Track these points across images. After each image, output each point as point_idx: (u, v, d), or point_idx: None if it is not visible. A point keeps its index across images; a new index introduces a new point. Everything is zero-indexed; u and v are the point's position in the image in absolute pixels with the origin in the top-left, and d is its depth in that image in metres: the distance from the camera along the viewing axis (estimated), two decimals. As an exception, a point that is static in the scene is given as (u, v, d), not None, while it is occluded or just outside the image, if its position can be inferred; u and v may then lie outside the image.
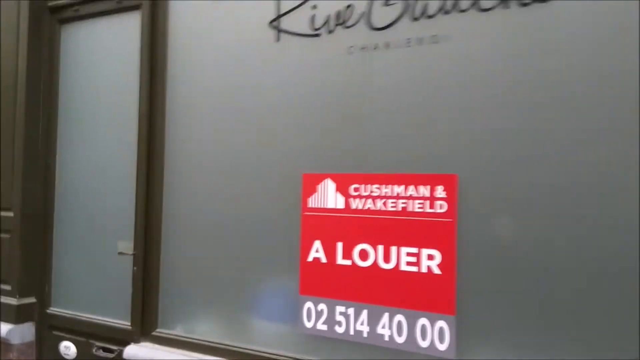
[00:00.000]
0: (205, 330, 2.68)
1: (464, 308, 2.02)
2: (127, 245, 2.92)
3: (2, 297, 3.19)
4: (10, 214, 3.20)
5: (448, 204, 2.05)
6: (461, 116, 2.05)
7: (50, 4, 3.27)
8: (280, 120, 2.49)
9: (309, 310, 2.37)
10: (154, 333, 2.80)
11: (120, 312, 2.93)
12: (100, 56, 3.15)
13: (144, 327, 2.83)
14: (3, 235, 3.22)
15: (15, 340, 3.10)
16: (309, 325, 2.37)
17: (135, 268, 2.86)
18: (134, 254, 2.88)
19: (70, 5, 3.20)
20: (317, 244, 2.36)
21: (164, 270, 2.82)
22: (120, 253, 2.93)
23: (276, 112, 2.50)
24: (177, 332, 2.76)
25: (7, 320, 3.14)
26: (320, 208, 2.35)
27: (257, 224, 2.55)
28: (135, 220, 2.89)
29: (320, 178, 2.36)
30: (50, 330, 3.18)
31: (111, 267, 3.00)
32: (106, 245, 3.03)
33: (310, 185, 2.38)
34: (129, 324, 2.89)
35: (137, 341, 2.82)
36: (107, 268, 3.02)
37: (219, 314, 2.65)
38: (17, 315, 3.13)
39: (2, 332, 3.10)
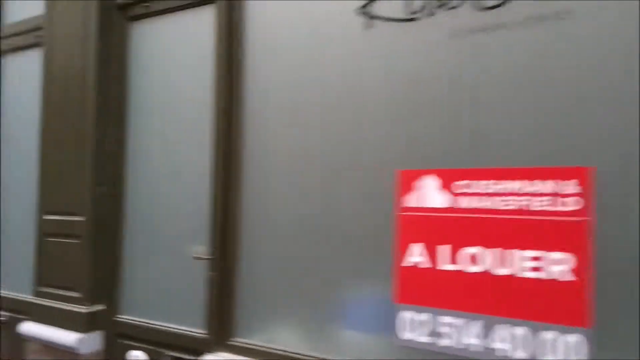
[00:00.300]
0: (288, 339, 2.49)
1: (601, 320, 1.77)
2: (201, 249, 2.77)
3: (70, 304, 3.08)
4: (80, 218, 3.09)
5: (583, 200, 1.81)
6: (591, 102, 1.82)
7: (119, 1, 3.18)
8: (370, 114, 2.30)
9: (406, 320, 2.16)
10: (230, 342, 2.63)
11: (194, 319, 2.78)
12: (172, 54, 3.03)
13: (220, 335, 2.66)
14: (72, 241, 3.12)
15: (84, 350, 2.98)
16: (406, 336, 2.16)
17: (211, 272, 2.70)
18: (209, 258, 2.72)
19: (140, 1, 3.10)
20: (416, 247, 2.15)
21: (241, 275, 2.66)
22: (194, 257, 2.78)
23: (366, 105, 2.32)
24: (256, 341, 2.58)
25: (75, 329, 3.03)
26: (419, 207, 2.14)
27: (345, 225, 2.36)
28: (210, 223, 2.73)
29: (419, 174, 2.15)
30: (120, 338, 3.05)
31: (184, 272, 2.86)
32: (178, 249, 2.89)
33: (407, 182, 2.18)
34: (204, 332, 2.73)
35: (212, 350, 2.66)
36: (180, 273, 2.88)
37: (302, 322, 2.47)
38: (86, 324, 3.01)
39: (70, 341, 2.98)
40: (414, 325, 2.14)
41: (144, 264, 3.04)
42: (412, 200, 2.16)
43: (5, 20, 3.96)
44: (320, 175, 2.44)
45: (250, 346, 2.57)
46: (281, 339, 2.51)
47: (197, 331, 2.76)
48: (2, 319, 3.69)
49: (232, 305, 2.66)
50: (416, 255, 2.15)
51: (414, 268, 2.15)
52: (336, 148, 2.39)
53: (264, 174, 2.61)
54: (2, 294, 3.73)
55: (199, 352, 2.70)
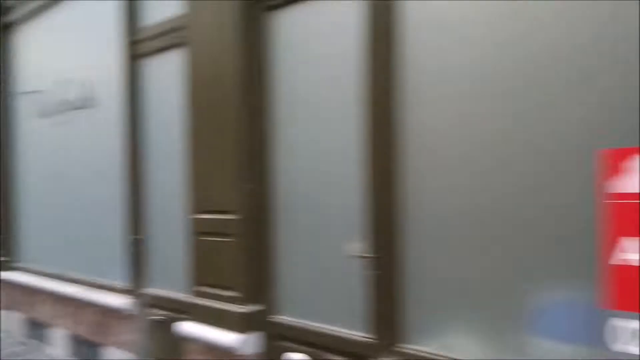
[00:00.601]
0: (466, 347, 2.24)
1: None
2: (359, 247, 2.59)
3: (227, 304, 3.05)
4: (233, 216, 3.05)
5: None
6: None
7: (257, -8, 3.09)
8: (555, 88, 1.98)
9: (619, 328, 1.81)
10: (398, 348, 2.43)
11: (356, 322, 2.61)
12: (314, 43, 2.87)
13: (387, 340, 2.47)
14: (226, 239, 3.08)
15: (244, 351, 2.94)
16: (619, 347, 1.81)
17: (372, 272, 2.52)
18: (368, 257, 2.54)
19: (279, -10, 3.00)
20: (629, 242, 1.79)
21: (408, 275, 2.44)
22: (351, 256, 2.62)
23: (549, 81, 1.99)
24: (428, 348, 2.35)
25: (233, 329, 2.99)
26: (633, 194, 1.78)
27: (529, 218, 2.06)
28: (369, 219, 2.55)
29: (631, 152, 1.78)
30: (277, 340, 2.96)
31: (341, 270, 2.70)
32: (334, 247, 2.74)
33: (614, 163, 1.82)
34: (368, 336, 2.54)
35: (378, 357, 2.47)
36: (337, 271, 2.72)
37: (482, 328, 2.20)
38: (244, 324, 2.97)
39: (230, 341, 2.95)
40: (626, 334, 1.79)
41: (299, 262, 2.93)
42: (622, 185, 1.81)
43: (141, 24, 4.05)
44: (496, 163, 2.15)
45: (421, 353, 2.35)
46: (458, 346, 2.26)
47: (361, 335, 2.58)
48: (158, 318, 3.80)
49: (398, 307, 2.45)
50: (631, 250, 1.79)
51: (629, 266, 1.79)
52: (515, 131, 2.09)
53: (429, 165, 2.37)
54: (157, 293, 3.85)
55: (363, 358, 2.53)
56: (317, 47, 2.86)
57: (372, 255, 2.53)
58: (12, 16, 5.63)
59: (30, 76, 5.49)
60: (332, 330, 2.70)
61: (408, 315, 2.43)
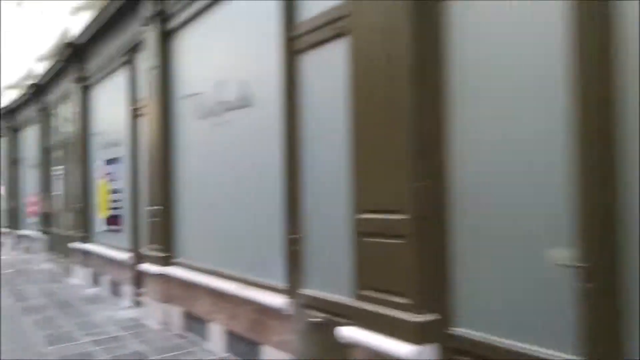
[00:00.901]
0: None
1: None
2: (564, 254, 2.20)
3: (397, 310, 2.79)
4: (402, 216, 2.79)
5: None
6: None
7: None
8: None
9: None
10: (621, 379, 2.00)
11: (561, 341, 2.21)
12: (500, 28, 2.52)
13: (604, 367, 2.05)
14: (394, 241, 2.83)
15: (419, 363, 2.66)
16: None
17: (583, 284, 2.11)
18: (578, 266, 2.14)
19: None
20: None
21: (629, 287, 2.00)
22: (554, 264, 2.23)
23: None
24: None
25: (404, 339, 2.72)
26: None
27: None
28: (577, 221, 2.15)
29: None
30: (456, 355, 2.64)
31: (542, 281, 2.31)
32: (530, 253, 2.36)
33: None
34: (577, 358, 2.13)
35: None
36: (536, 282, 2.34)
37: None
38: (417, 334, 2.68)
39: (402, 352, 2.68)
40: None
41: (483, 268, 2.58)
42: None
43: (299, 19, 3.94)
44: None
45: (653, 386, 1.90)
46: None
47: (569, 357, 2.17)
48: (317, 320, 3.66)
49: (618, 326, 2.02)
50: None
51: None
52: None
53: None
54: (315, 295, 3.71)
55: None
56: (504, 31, 2.51)
57: (582, 265, 2.12)
58: (174, 23, 5.90)
59: (191, 79, 5.71)
60: (528, 349, 2.32)
61: (632, 335, 1.99)
